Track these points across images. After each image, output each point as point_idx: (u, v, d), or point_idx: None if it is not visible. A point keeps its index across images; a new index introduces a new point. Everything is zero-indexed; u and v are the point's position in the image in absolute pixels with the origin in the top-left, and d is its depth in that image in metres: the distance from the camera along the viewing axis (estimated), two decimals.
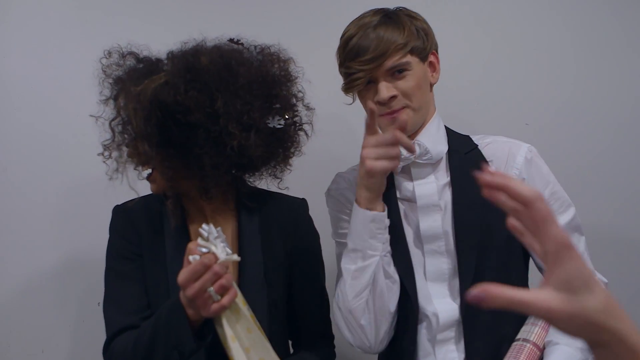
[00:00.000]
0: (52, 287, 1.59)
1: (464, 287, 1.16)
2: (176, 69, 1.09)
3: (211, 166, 1.11)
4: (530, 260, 1.27)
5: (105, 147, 1.14)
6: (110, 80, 1.15)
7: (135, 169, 1.15)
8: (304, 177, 1.32)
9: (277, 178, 1.24)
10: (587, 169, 1.68)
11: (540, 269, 1.24)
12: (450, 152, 1.25)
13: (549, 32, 1.73)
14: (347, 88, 1.22)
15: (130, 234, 1.21)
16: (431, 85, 1.26)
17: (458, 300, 1.18)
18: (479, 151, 1.25)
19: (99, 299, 1.24)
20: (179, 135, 1.10)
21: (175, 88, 1.07)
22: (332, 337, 1.30)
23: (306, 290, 1.27)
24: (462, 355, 1.17)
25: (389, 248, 1.19)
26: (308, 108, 1.22)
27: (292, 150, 1.21)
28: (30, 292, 1.59)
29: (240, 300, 1.06)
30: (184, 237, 1.19)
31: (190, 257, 1.00)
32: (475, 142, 1.28)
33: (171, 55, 1.15)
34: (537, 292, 0.58)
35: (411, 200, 1.24)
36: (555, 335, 1.11)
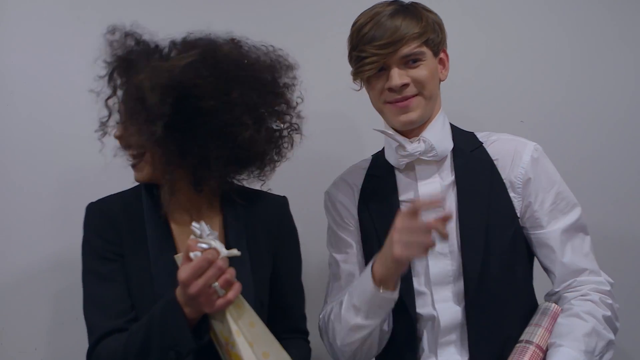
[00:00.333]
0: (45, 284, 1.58)
1: (468, 289, 1.15)
2: (199, 52, 1.07)
3: (215, 156, 1.10)
4: (535, 260, 1.26)
5: (102, 125, 1.14)
6: (116, 56, 1.13)
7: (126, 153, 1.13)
8: (283, 175, 1.29)
9: (262, 180, 1.24)
10: (582, 167, 1.68)
11: (545, 269, 1.23)
12: (455, 151, 1.24)
13: (544, 29, 1.73)
14: (357, 72, 1.21)
15: (110, 233, 1.16)
16: (440, 80, 1.25)
17: (463, 303, 1.16)
18: (484, 150, 1.24)
19: None
20: (187, 121, 1.07)
21: (197, 71, 1.05)
22: (307, 332, 1.31)
23: (286, 286, 1.27)
24: (466, 358, 1.16)
25: (390, 313, 1.17)
26: (299, 116, 1.22)
27: (283, 152, 1.22)
28: (23, 289, 1.58)
29: (240, 294, 1.05)
30: (167, 235, 1.17)
31: (191, 254, 0.98)
32: (480, 139, 1.27)
33: (192, 39, 1.13)
34: None
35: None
36: (558, 337, 1.10)
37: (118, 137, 1.15)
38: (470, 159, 1.23)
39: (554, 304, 1.18)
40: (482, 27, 1.73)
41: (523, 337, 1.13)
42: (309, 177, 1.60)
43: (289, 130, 1.21)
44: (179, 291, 1.02)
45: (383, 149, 1.32)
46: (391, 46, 1.15)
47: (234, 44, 1.14)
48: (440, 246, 1.16)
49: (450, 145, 1.24)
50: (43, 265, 1.58)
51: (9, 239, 1.58)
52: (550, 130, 1.69)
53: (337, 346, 1.20)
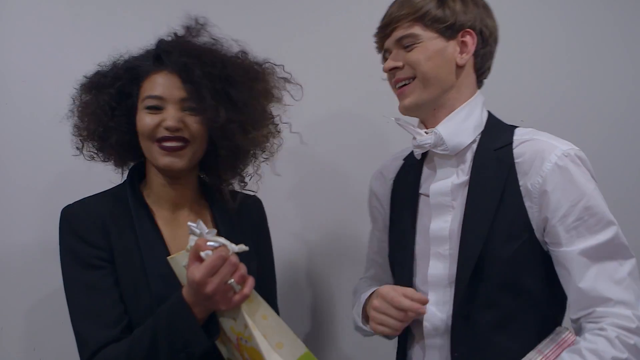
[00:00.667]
0: (44, 283, 1.58)
1: (457, 296, 1.10)
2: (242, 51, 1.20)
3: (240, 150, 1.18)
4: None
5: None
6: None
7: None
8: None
9: (244, 182, 1.28)
10: None
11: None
12: (479, 147, 1.14)
13: (543, 28, 1.73)
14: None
15: (95, 237, 1.11)
16: (458, 66, 1.14)
17: (452, 309, 1.11)
18: (510, 150, 1.11)
19: None
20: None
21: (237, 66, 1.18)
22: None
23: (265, 281, 1.27)
24: None
25: None
26: (277, 131, 1.25)
27: (263, 159, 1.26)
28: (22, 290, 1.58)
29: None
30: (157, 233, 1.15)
31: (202, 254, 0.99)
32: (517, 137, 1.13)
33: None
34: None
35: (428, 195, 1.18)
36: None
37: (171, 128, 1.12)
38: (491, 158, 1.11)
39: (568, 331, 1.07)
40: None
41: None
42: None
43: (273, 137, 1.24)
44: (186, 292, 1.01)
45: None
46: (383, 30, 1.16)
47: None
48: (442, 247, 1.13)
49: (466, 140, 1.14)
50: (42, 264, 1.58)
51: (7, 238, 1.58)
52: (551, 129, 1.66)
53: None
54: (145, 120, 1.13)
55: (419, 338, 1.17)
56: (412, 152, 1.26)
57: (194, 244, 0.99)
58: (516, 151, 1.11)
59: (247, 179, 1.28)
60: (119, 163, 1.24)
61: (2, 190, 1.59)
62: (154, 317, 1.04)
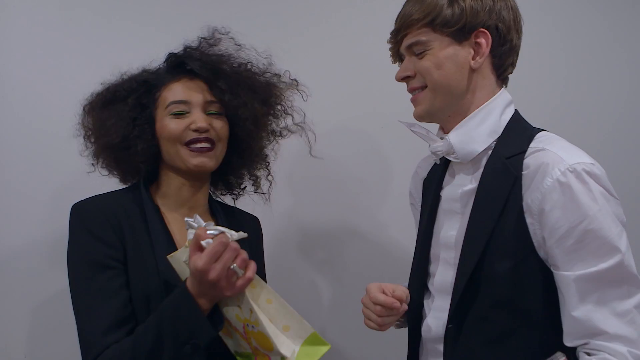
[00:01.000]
0: (36, 290, 1.56)
1: (451, 306, 1.06)
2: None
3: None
4: None
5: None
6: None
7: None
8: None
9: (258, 184, 1.35)
10: None
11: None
12: (492, 154, 1.07)
13: (539, 32, 1.73)
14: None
15: (110, 235, 1.10)
16: (472, 69, 1.07)
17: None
18: (521, 159, 1.03)
19: None
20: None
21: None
22: None
23: None
24: None
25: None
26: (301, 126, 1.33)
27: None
28: (13, 295, 1.56)
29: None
30: (167, 234, 1.17)
31: (203, 242, 1.00)
32: (533, 144, 1.04)
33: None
34: None
35: None
36: None
37: (201, 128, 1.16)
38: (499, 167, 1.04)
39: (564, 358, 0.98)
40: None
41: None
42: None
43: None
44: (190, 283, 1.02)
45: None
46: (395, 36, 1.11)
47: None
48: (449, 254, 1.10)
49: (479, 147, 1.07)
50: (34, 270, 1.57)
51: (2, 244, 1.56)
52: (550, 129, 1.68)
53: None
54: (171, 125, 1.17)
55: (425, 342, 1.17)
56: None
57: (195, 234, 1.01)
58: (526, 161, 1.02)
59: (259, 182, 1.35)
60: (134, 174, 1.25)
61: None
62: (158, 310, 1.03)
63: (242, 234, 1.03)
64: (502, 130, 1.08)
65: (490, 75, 1.10)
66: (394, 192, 1.75)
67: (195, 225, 1.02)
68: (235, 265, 1.01)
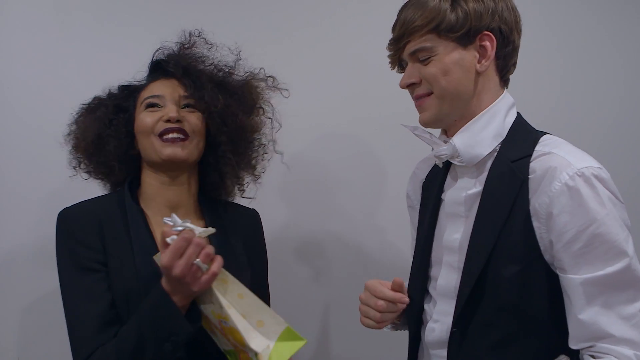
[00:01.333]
0: (27, 293, 1.56)
1: (456, 310, 1.05)
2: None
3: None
4: None
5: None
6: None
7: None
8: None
9: (243, 189, 1.36)
10: None
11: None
12: (497, 157, 1.06)
13: (535, 33, 1.72)
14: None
15: (93, 240, 1.13)
16: (478, 73, 1.06)
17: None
18: (527, 163, 1.02)
19: None
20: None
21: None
22: None
23: (257, 292, 1.22)
24: None
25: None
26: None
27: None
28: (4, 295, 1.56)
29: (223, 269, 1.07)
30: (151, 241, 1.16)
31: (168, 239, 1.01)
32: (538, 147, 1.04)
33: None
34: None
35: None
36: None
37: (172, 118, 1.18)
38: (505, 171, 1.03)
39: None
40: None
41: None
42: None
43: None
44: (164, 280, 1.04)
45: None
46: (397, 43, 1.09)
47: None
48: (452, 258, 1.09)
49: (483, 151, 1.06)
50: (26, 271, 1.57)
51: None
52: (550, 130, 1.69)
53: None
54: (146, 119, 1.20)
55: (426, 347, 1.15)
56: None
57: (162, 232, 1.02)
58: (532, 165, 1.02)
59: (245, 186, 1.35)
60: (114, 177, 1.27)
61: None
62: (138, 310, 1.06)
63: (209, 230, 1.04)
64: (506, 133, 1.07)
65: (495, 77, 1.09)
66: (389, 194, 1.74)
67: (172, 224, 1.03)
68: (198, 260, 1.01)
